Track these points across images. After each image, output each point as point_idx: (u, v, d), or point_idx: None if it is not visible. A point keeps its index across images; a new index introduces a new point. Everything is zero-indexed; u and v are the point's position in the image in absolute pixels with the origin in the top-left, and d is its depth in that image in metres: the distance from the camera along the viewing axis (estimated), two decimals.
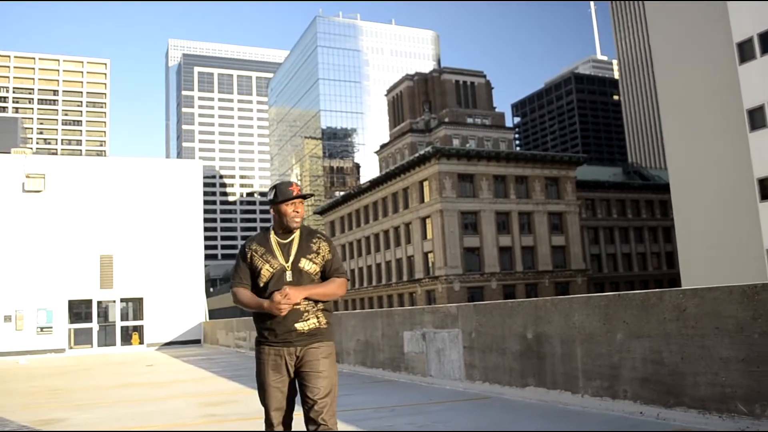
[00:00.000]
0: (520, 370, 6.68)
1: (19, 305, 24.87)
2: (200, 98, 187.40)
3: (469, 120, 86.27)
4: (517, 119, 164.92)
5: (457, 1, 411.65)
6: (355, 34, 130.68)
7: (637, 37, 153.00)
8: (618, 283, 64.76)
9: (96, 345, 25.73)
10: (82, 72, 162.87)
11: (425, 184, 57.05)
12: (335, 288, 3.36)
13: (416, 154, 59.08)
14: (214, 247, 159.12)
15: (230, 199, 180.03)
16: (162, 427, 6.38)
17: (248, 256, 3.38)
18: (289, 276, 3.30)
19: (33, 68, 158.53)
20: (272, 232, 3.44)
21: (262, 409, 3.34)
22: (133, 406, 8.33)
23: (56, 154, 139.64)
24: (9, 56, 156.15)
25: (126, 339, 26.45)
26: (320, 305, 3.34)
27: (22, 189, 25.73)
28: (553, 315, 6.22)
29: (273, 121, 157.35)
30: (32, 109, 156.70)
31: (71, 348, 25.45)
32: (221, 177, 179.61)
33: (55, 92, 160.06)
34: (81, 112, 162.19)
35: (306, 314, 3.28)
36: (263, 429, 3.37)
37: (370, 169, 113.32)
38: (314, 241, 3.41)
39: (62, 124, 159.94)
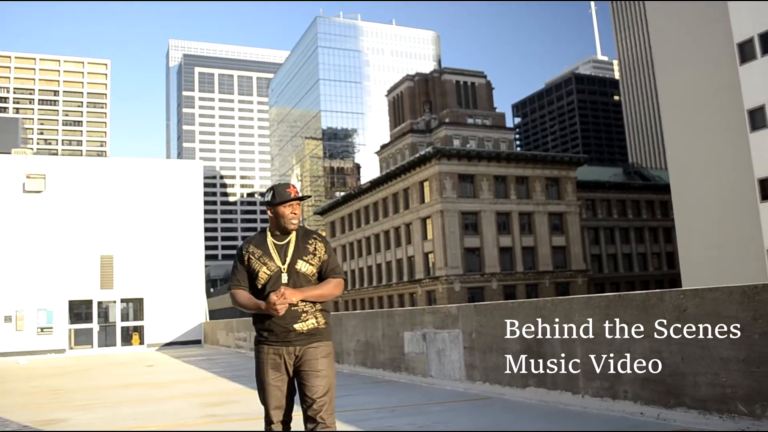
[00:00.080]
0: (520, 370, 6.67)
1: (20, 306, 24.88)
2: (201, 98, 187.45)
3: (470, 120, 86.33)
4: (517, 119, 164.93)
5: (458, 1, 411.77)
6: (356, 35, 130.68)
7: (637, 37, 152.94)
8: (618, 283, 64.72)
9: (96, 345, 25.73)
10: (82, 72, 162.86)
11: (426, 184, 57.05)
12: (332, 288, 3.39)
13: (417, 155, 59.10)
14: (215, 247, 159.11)
15: (231, 199, 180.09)
16: (163, 427, 6.39)
17: (245, 258, 3.40)
18: (285, 278, 3.32)
19: (33, 68, 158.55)
20: (269, 234, 3.46)
21: (263, 408, 3.36)
22: (134, 406, 8.33)
23: (57, 154, 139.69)
24: (9, 57, 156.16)
25: (126, 339, 26.46)
26: (318, 305, 3.37)
27: (23, 189, 25.74)
28: (553, 315, 6.22)
29: (273, 122, 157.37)
30: (33, 109, 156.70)
31: (71, 348, 25.46)
32: (222, 177, 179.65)
33: (56, 92, 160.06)
34: (81, 112, 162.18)
35: (304, 315, 3.31)
36: (264, 429, 3.39)
37: (370, 170, 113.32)
38: (310, 242, 3.43)
39: (63, 124, 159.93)
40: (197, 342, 27.32)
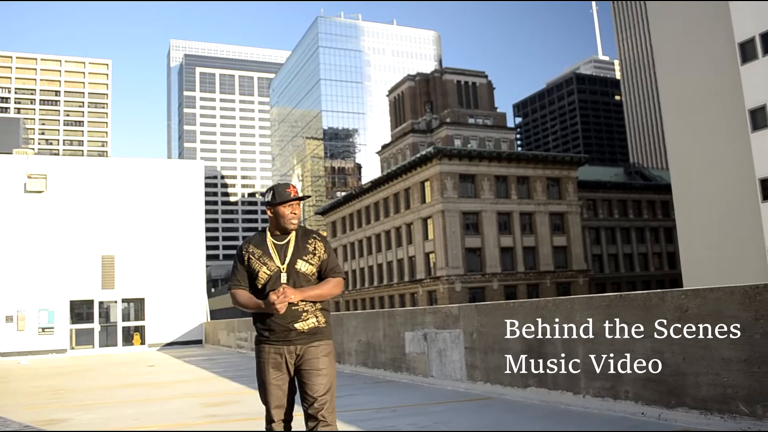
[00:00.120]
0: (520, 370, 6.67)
1: (21, 306, 24.91)
2: (202, 98, 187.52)
3: (471, 120, 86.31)
4: (518, 119, 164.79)
5: (459, 1, 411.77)
6: (357, 35, 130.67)
7: (638, 37, 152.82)
8: (620, 283, 64.67)
9: (97, 345, 25.76)
10: (83, 72, 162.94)
11: (427, 184, 57.05)
12: (331, 288, 3.40)
13: (418, 155, 59.09)
14: (216, 247, 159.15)
15: (232, 199, 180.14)
16: (165, 427, 6.39)
17: (245, 258, 3.42)
18: (285, 278, 3.34)
19: (35, 69, 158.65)
20: (268, 234, 3.47)
21: (264, 408, 3.37)
22: (135, 406, 8.34)
23: (58, 154, 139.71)
24: (11, 57, 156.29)
25: (127, 339, 26.48)
26: (319, 305, 3.39)
27: (24, 189, 25.77)
28: (554, 315, 6.22)
29: (274, 122, 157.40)
30: (34, 109, 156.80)
31: (73, 348, 25.48)
32: (223, 177, 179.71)
33: (57, 93, 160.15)
34: (83, 112, 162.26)
35: (305, 314, 3.33)
36: (265, 428, 3.41)
37: (371, 170, 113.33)
38: (310, 241, 3.45)
39: (64, 124, 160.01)
40: (198, 342, 27.33)
